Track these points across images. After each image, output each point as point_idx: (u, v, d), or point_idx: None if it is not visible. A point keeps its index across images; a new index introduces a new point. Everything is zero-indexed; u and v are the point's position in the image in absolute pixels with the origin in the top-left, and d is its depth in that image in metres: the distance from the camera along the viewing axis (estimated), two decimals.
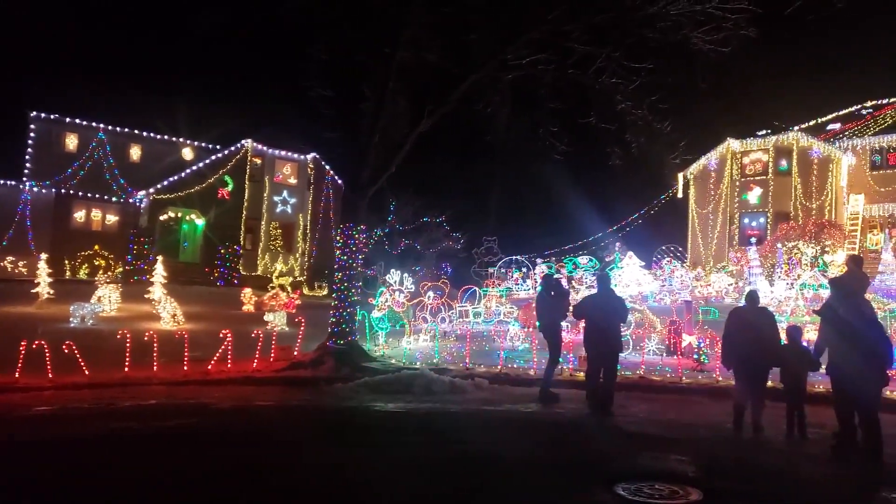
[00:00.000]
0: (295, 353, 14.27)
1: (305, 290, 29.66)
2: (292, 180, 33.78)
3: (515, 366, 13.52)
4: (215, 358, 13.13)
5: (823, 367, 8.33)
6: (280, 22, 15.87)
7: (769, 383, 8.69)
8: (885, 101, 31.41)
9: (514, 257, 25.95)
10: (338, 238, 14.65)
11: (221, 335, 13.20)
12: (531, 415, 9.76)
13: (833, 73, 55.91)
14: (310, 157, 33.71)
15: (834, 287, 8.92)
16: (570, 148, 15.37)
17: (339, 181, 32.65)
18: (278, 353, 14.11)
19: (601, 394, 9.76)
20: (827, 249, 23.72)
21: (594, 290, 12.01)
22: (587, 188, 36.69)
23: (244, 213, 31.75)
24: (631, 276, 23.36)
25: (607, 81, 13.99)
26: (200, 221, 30.90)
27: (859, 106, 32.40)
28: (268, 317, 18.60)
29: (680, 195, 31.82)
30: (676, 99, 15.02)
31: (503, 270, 24.36)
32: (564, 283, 22.31)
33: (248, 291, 22.73)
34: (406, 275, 17.08)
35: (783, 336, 9.01)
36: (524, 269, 25.57)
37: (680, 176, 31.22)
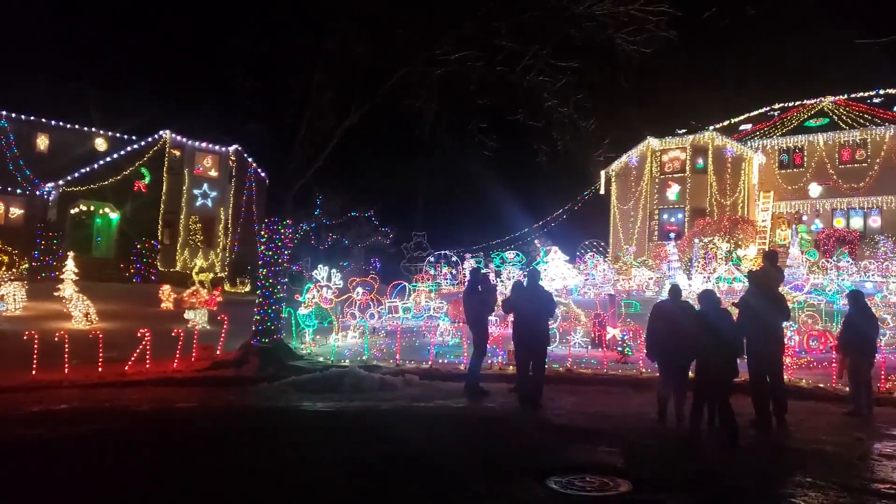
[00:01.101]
0: (217, 352, 13.75)
1: (227, 287, 28.71)
2: (213, 173, 32.64)
3: (446, 361, 13.50)
4: (133, 358, 12.47)
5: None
6: (202, 7, 15.24)
7: (690, 374, 8.98)
8: (791, 104, 33.24)
9: (443, 252, 25.96)
10: (262, 233, 14.21)
11: (139, 334, 12.55)
12: (462, 410, 9.75)
13: (745, 76, 58.87)
14: (232, 149, 32.67)
15: (751, 281, 9.35)
16: (499, 144, 15.47)
17: (263, 174, 31.77)
18: (200, 353, 13.56)
19: (530, 387, 9.85)
20: (740, 244, 24.91)
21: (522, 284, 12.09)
22: (515, 184, 37.14)
23: (162, 206, 30.41)
24: (556, 271, 23.81)
25: (534, 79, 14.13)
26: (115, 215, 29.38)
27: (768, 108, 34.16)
28: (188, 314, 17.88)
29: (603, 191, 32.69)
30: (600, 98, 15.35)
31: (432, 265, 24.33)
32: (492, 277, 22.55)
33: (166, 288, 21.79)
34: (334, 270, 16.75)
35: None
36: (453, 264, 25.64)
37: (603, 173, 32.07)
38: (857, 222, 28.65)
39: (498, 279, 23.15)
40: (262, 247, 14.08)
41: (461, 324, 14.10)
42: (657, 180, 30.87)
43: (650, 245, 29.80)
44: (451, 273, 24.86)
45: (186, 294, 20.91)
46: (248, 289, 28.03)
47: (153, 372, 12.40)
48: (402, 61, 14.23)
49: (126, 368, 12.34)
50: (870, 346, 9.56)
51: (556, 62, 14.01)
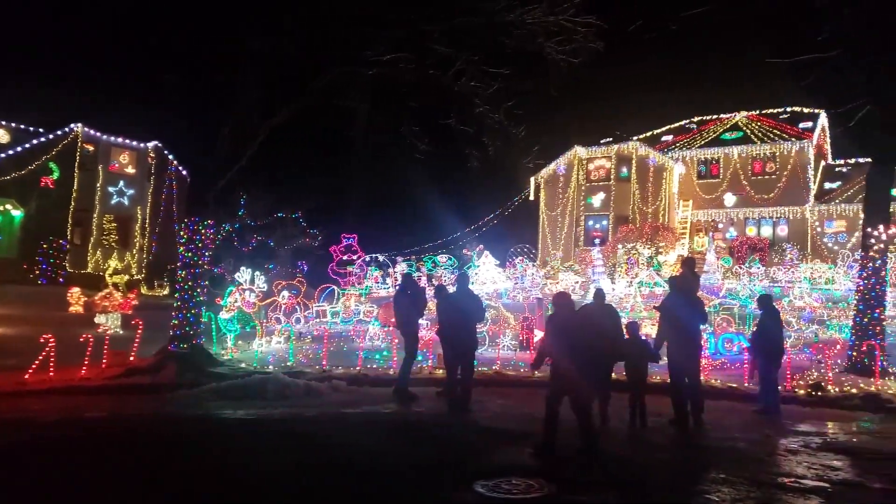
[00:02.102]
0: (131, 358, 13.09)
1: (144, 290, 27.48)
2: (130, 170, 31.19)
3: (375, 366, 13.33)
4: (34, 366, 11.66)
5: (664, 359, 9.01)
6: None
7: (613, 375, 9.19)
8: (709, 118, 34.80)
9: (374, 255, 25.72)
10: (181, 233, 13.64)
11: (42, 340, 11.77)
12: (390, 415, 9.63)
13: (667, 89, 61.30)
14: (151, 145, 31.34)
15: (671, 286, 9.68)
16: (431, 148, 15.45)
17: (185, 172, 30.61)
18: (111, 359, 12.87)
19: (459, 391, 9.84)
20: (661, 250, 25.83)
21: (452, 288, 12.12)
22: (447, 188, 37.30)
23: (73, 204, 28.71)
24: (487, 275, 24.03)
25: (466, 84, 14.20)
26: (18, 212, 27.56)
27: (688, 121, 35.64)
28: (99, 319, 16.99)
29: (532, 198, 33.28)
30: (530, 106, 15.59)
31: (363, 268, 24.05)
32: (423, 281, 22.51)
33: (75, 291, 20.62)
34: (258, 273, 16.26)
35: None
36: (385, 268, 25.44)
37: (532, 179, 32.67)
38: (766, 231, 30.25)
39: (430, 283, 23.14)
40: (182, 247, 13.53)
41: (391, 328, 13.97)
42: (583, 188, 31.66)
43: (576, 250, 30.50)
44: (382, 276, 24.65)
45: (98, 297, 19.84)
46: (166, 292, 26.89)
47: (58, 380, 11.63)
48: (332, 61, 14.01)
49: (26, 377, 11.52)
50: (777, 348, 10.05)
51: (488, 68, 14.13)
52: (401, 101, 14.74)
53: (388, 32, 13.41)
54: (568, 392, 7.13)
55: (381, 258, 24.83)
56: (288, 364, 13.32)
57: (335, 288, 19.49)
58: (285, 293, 17.28)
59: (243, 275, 15.48)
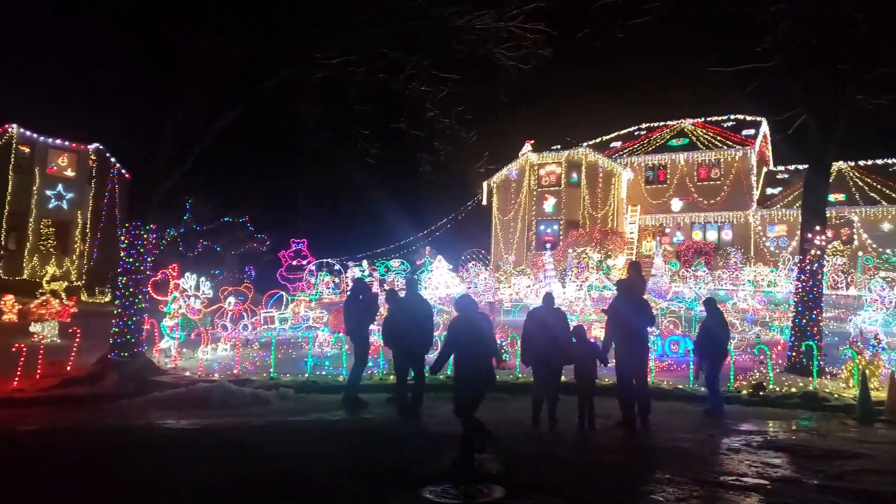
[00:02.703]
0: (68, 367, 12.57)
1: (84, 297, 26.47)
2: (70, 172, 30.09)
3: (324, 373, 13.12)
4: None
5: (612, 362, 9.11)
6: None
7: (563, 378, 9.25)
8: (656, 125, 35.65)
9: (325, 260, 25.40)
10: (122, 238, 13.18)
11: None
12: (338, 423, 9.49)
13: (615, 96, 62.60)
14: (92, 147, 30.33)
15: (619, 289, 9.81)
16: (382, 152, 15.35)
17: (128, 176, 29.70)
18: (46, 369, 12.33)
19: (410, 397, 9.76)
20: (610, 255, 26.28)
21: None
22: (400, 192, 37.17)
23: (7, 207, 27.52)
24: (440, 279, 24.01)
25: (417, 88, 14.16)
26: None
27: (636, 127, 36.44)
28: (34, 327, 16.27)
29: (485, 202, 33.48)
30: (481, 111, 15.65)
31: (313, 274, 23.71)
32: (376, 286, 22.33)
33: (9, 298, 19.72)
34: (203, 279, 15.83)
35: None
36: (336, 273, 25.15)
37: (485, 184, 32.88)
38: (712, 235, 31.11)
39: (382, 288, 22.97)
40: (123, 253, 13.08)
41: (341, 334, 13.78)
42: (535, 193, 31.99)
43: (528, 254, 30.78)
44: (333, 282, 24.36)
45: (34, 304, 19.01)
46: (108, 299, 25.98)
47: None
48: (279, 62, 13.78)
49: None
50: (720, 349, 10.29)
51: (439, 73, 14.12)
52: (351, 104, 14.59)
53: (337, 35, 13.27)
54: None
55: (332, 263, 24.55)
56: (234, 372, 13.00)
57: (284, 294, 19.14)
58: (231, 299, 16.87)
59: (188, 281, 15.04)
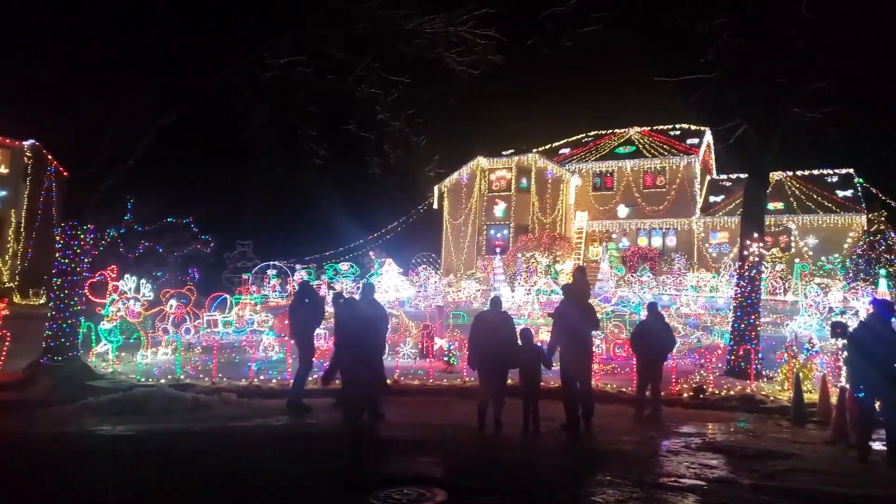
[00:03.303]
0: None
1: (17, 299, 25.37)
2: (3, 169, 28.86)
3: (268, 377, 12.87)
4: None
5: (556, 364, 9.21)
6: None
7: (509, 381, 9.31)
8: (603, 132, 36.35)
9: (271, 263, 24.97)
10: (58, 238, 12.68)
11: None
12: (282, 428, 9.33)
13: (565, 103, 63.59)
14: (28, 143, 29.13)
15: (565, 293, 9.93)
16: (331, 154, 15.18)
17: (66, 174, 28.63)
18: None
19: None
20: (558, 259, 26.64)
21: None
22: (350, 195, 36.87)
23: None
24: (390, 283, 23.91)
25: (366, 91, 14.06)
26: None
27: (584, 134, 37.08)
28: None
29: (436, 206, 33.53)
30: (432, 115, 15.65)
31: (258, 277, 23.29)
32: (324, 289, 22.09)
33: None
34: (144, 281, 15.34)
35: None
36: (282, 276, 24.77)
37: (436, 188, 32.92)
38: (657, 241, 31.87)
39: (330, 291, 22.73)
40: (58, 254, 12.57)
41: (286, 338, 13.56)
42: (486, 197, 32.21)
43: (479, 259, 30.94)
44: (279, 285, 23.98)
45: None
46: (42, 301, 24.96)
47: None
48: (225, 60, 13.48)
49: None
50: (661, 352, 10.50)
51: (389, 76, 14.05)
52: (300, 104, 14.39)
53: (285, 35, 13.08)
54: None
55: (279, 265, 24.16)
56: (174, 376, 12.63)
57: (227, 296, 18.73)
58: (173, 302, 16.41)
59: (127, 283, 14.55)
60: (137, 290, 14.83)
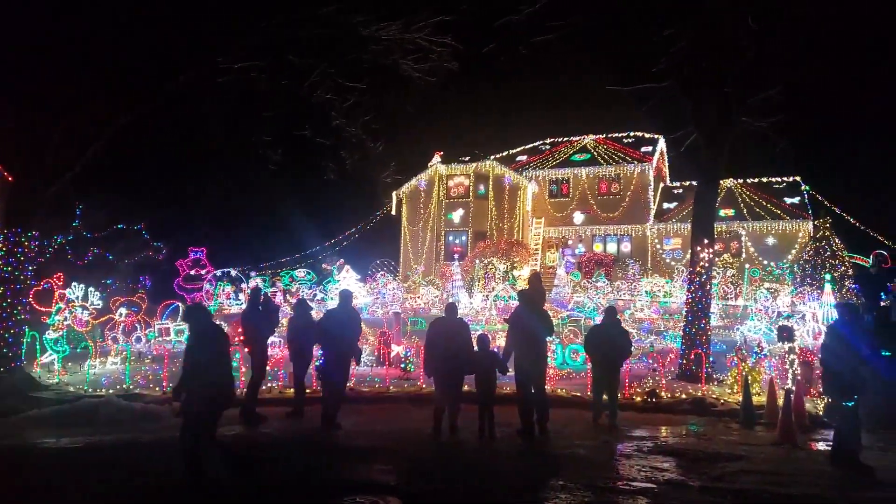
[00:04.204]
0: None
1: None
2: None
3: None
4: None
5: (511, 370, 9.26)
6: None
7: (465, 387, 9.32)
8: (560, 140, 36.83)
9: (226, 270, 24.52)
10: (0, 246, 12.23)
11: None
12: (234, 438, 9.12)
13: (522, 111, 64.29)
14: None
15: (520, 299, 10.00)
16: (286, 159, 15.05)
17: (11, 179, 27.56)
18: None
19: (329, 406, 9.62)
20: (515, 265, 26.83)
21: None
22: (307, 202, 36.47)
23: None
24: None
25: (322, 96, 13.99)
26: None
27: (541, 142, 37.51)
28: None
29: (394, 212, 33.44)
30: (388, 121, 15.64)
31: (212, 284, 22.83)
32: (279, 296, 21.79)
33: None
34: (92, 289, 14.89)
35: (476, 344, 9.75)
36: (237, 283, 24.34)
37: (394, 194, 32.85)
38: (612, 247, 32.39)
39: (285, 298, 22.43)
40: (1, 261, 12.12)
41: (240, 346, 13.32)
42: (444, 204, 32.28)
43: (437, 265, 30.96)
44: (234, 292, 23.56)
45: None
46: None
47: None
48: (180, 66, 13.24)
49: None
50: (617, 358, 10.59)
51: (345, 81, 14.00)
52: (255, 110, 14.22)
53: (241, 40, 12.91)
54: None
55: (233, 272, 23.74)
56: (124, 387, 12.29)
57: (180, 304, 18.30)
58: (123, 310, 15.97)
59: (74, 291, 14.11)
60: (85, 298, 14.39)
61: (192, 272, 22.14)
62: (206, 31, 13.02)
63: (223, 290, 23.10)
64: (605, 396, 10.22)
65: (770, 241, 29.77)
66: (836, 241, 24.04)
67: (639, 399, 11.81)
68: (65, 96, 12.44)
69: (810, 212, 29.41)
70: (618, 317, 11.09)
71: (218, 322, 18.23)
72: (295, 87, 13.64)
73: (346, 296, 10.38)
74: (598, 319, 15.98)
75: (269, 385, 11.99)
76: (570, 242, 32.59)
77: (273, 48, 13.18)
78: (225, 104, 14.62)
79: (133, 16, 12.52)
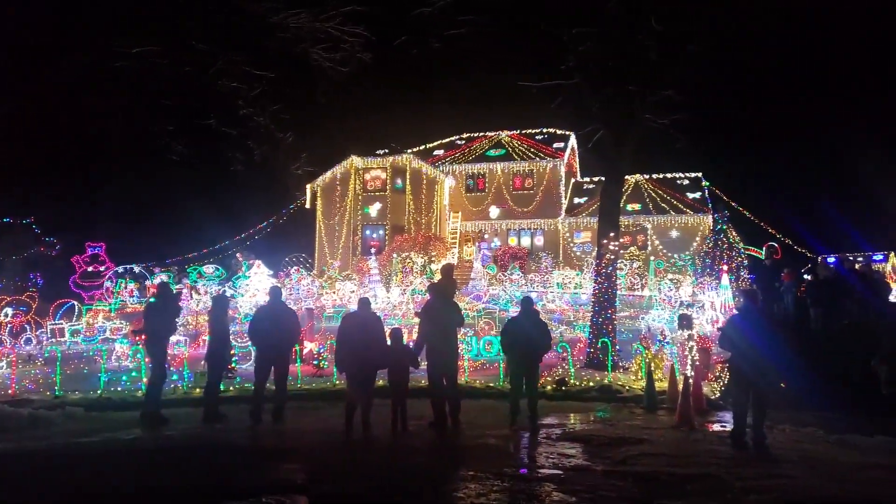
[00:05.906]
0: None
1: None
2: None
3: (121, 388, 11.98)
4: None
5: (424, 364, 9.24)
6: None
7: (378, 382, 9.23)
8: (476, 135, 37.17)
9: (129, 266, 23.29)
10: None
11: None
12: (134, 442, 8.71)
13: (437, 105, 64.39)
14: None
15: (431, 292, 10.01)
16: (190, 150, 14.43)
17: None
18: None
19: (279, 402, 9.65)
20: (433, 259, 26.89)
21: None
22: (214, 195, 35.11)
23: None
24: (259, 285, 22.99)
25: (228, 84, 13.50)
26: None
27: (457, 136, 37.74)
28: None
29: (309, 206, 32.75)
30: (300, 111, 15.28)
31: (112, 281, 21.61)
32: (186, 293, 20.89)
33: None
34: None
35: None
36: (141, 279, 23.17)
37: (308, 187, 32.16)
38: (526, 241, 33.05)
39: (193, 295, 21.55)
40: None
41: (142, 345, 12.69)
42: (361, 197, 31.91)
43: (354, 259, 30.58)
44: (136, 290, 22.41)
45: None
46: None
47: None
48: (72, 48, 12.44)
49: None
50: (534, 353, 10.70)
51: (252, 70, 13.56)
52: (155, 98, 13.55)
53: (138, 24, 12.26)
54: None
55: (136, 269, 22.58)
56: (10, 392, 11.45)
57: (76, 303, 17.23)
58: (9, 310, 14.86)
59: None
60: None
61: (91, 269, 20.86)
62: (98, 12, 12.30)
63: (125, 287, 21.92)
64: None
65: (674, 234, 31.15)
66: (733, 234, 25.47)
67: (549, 388, 12.07)
68: None
69: (710, 206, 31.00)
70: (534, 307, 10.15)
71: (119, 322, 17.37)
72: (198, 74, 13.08)
73: (275, 292, 10.13)
74: (513, 311, 16.25)
75: (172, 385, 11.51)
76: (486, 236, 32.97)
77: (175, 33, 12.58)
78: (123, 92, 13.87)
79: None
